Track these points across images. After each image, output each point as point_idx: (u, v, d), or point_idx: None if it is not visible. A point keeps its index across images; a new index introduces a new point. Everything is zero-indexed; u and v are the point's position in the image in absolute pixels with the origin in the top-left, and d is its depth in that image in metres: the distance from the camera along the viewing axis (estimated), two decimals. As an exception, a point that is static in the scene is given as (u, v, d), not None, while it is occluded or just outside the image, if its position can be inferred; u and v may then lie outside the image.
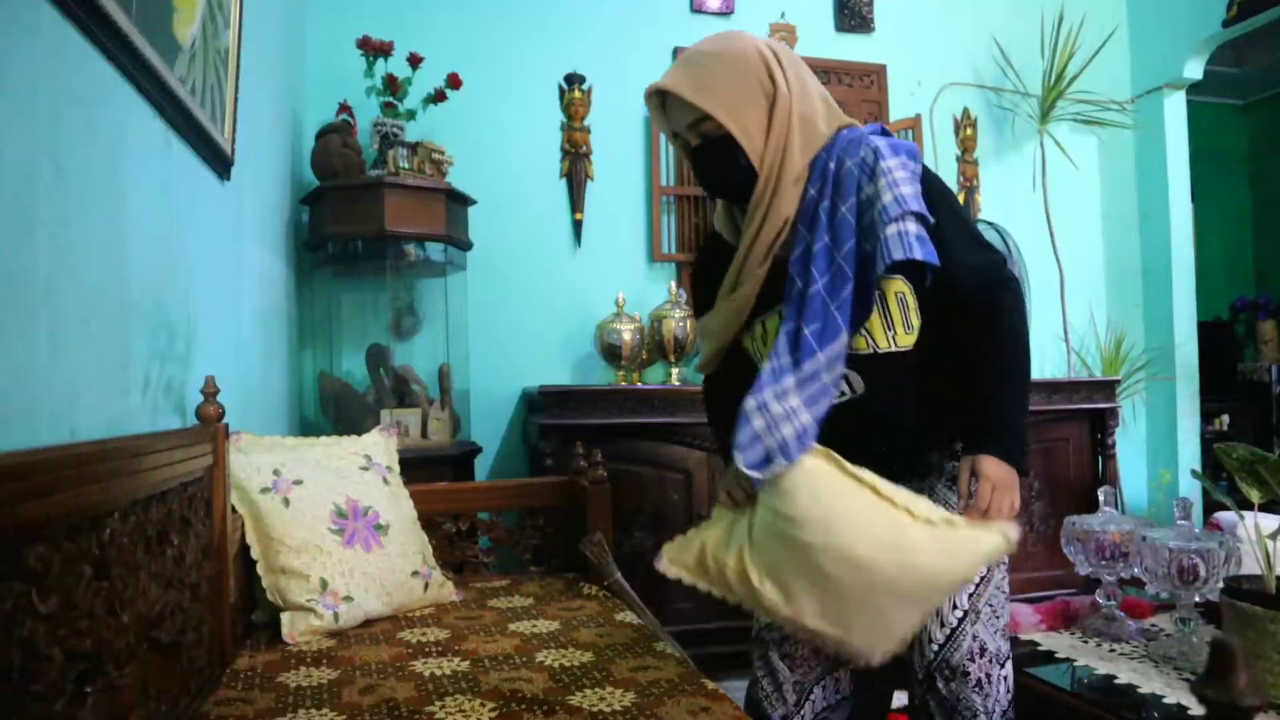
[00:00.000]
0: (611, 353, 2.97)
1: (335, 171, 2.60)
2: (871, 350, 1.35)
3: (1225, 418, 4.49)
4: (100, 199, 1.12)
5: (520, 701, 1.24)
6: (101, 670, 0.94)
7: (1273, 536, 1.60)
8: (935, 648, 1.39)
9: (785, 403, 1.26)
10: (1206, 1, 3.63)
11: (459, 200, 2.76)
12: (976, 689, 1.36)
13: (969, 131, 3.71)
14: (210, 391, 1.45)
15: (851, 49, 3.60)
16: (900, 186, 1.26)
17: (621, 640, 1.55)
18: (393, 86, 2.73)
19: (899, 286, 1.33)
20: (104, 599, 0.96)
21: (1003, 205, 3.70)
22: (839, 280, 1.28)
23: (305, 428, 2.74)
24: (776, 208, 1.32)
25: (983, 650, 1.38)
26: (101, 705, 0.94)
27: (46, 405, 0.96)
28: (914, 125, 3.61)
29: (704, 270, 1.52)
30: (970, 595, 1.39)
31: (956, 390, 1.37)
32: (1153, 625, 1.90)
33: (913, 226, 1.25)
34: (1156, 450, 3.90)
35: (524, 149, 3.19)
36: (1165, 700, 1.49)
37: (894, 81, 3.63)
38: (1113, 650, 1.75)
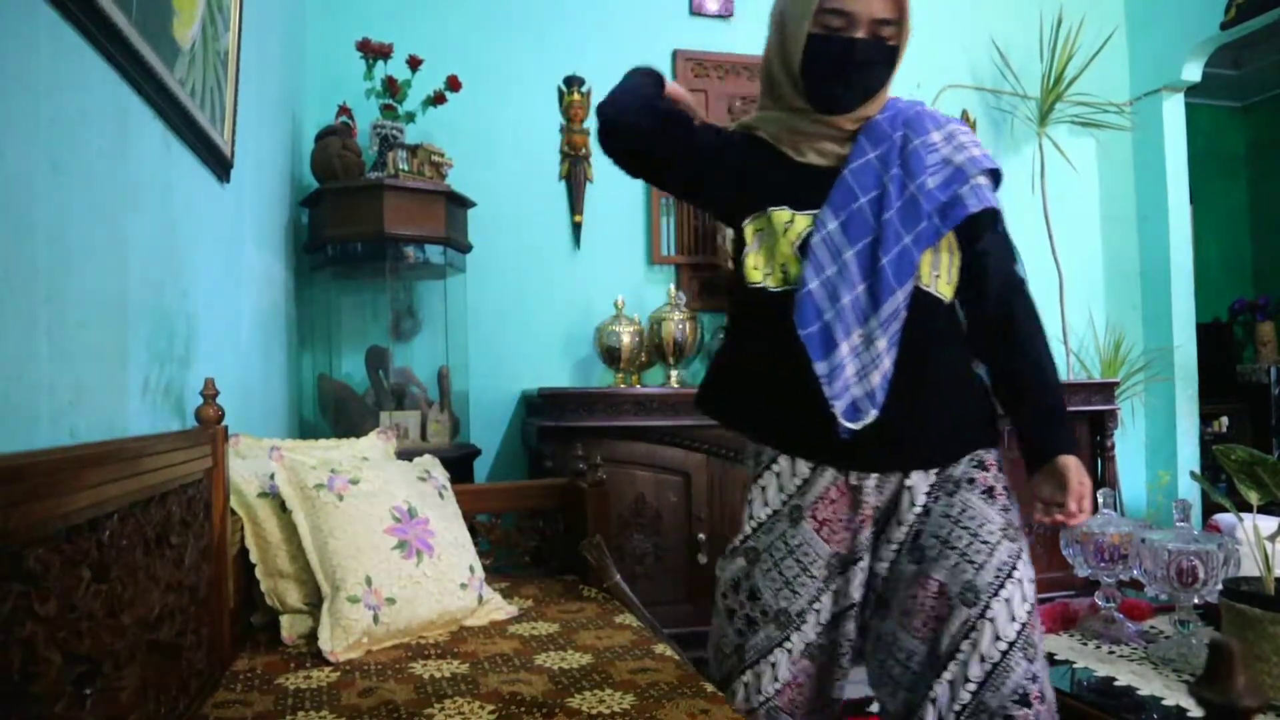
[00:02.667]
0: (611, 355, 2.97)
1: (335, 173, 2.60)
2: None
3: (1224, 419, 4.49)
4: (100, 201, 1.12)
5: (519, 704, 1.24)
6: (100, 672, 0.94)
7: (1271, 538, 1.60)
8: (970, 689, 1.22)
9: (874, 347, 1.22)
10: (1205, 3, 3.64)
11: (458, 202, 2.76)
12: None
13: (968, 133, 3.72)
14: (209, 393, 1.45)
15: (850, 51, 3.60)
16: (975, 148, 1.29)
17: (621, 643, 1.55)
18: (392, 89, 2.73)
19: (950, 238, 1.31)
20: (103, 601, 0.96)
21: (1001, 207, 3.69)
22: (911, 214, 1.25)
23: (304, 430, 2.74)
24: (862, 111, 1.31)
25: (1036, 683, 1.22)
26: (100, 707, 0.94)
27: (46, 407, 0.96)
28: (913, 127, 3.61)
29: (732, 155, 1.38)
30: (1022, 625, 1.23)
31: (996, 387, 1.35)
32: (1152, 627, 1.90)
33: (985, 181, 1.28)
34: (1155, 452, 3.90)
35: (523, 151, 3.20)
36: (1165, 702, 1.49)
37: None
38: (1112, 652, 1.75)
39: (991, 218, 1.32)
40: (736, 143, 1.39)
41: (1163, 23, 3.83)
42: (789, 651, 1.31)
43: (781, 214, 1.30)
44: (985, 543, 1.26)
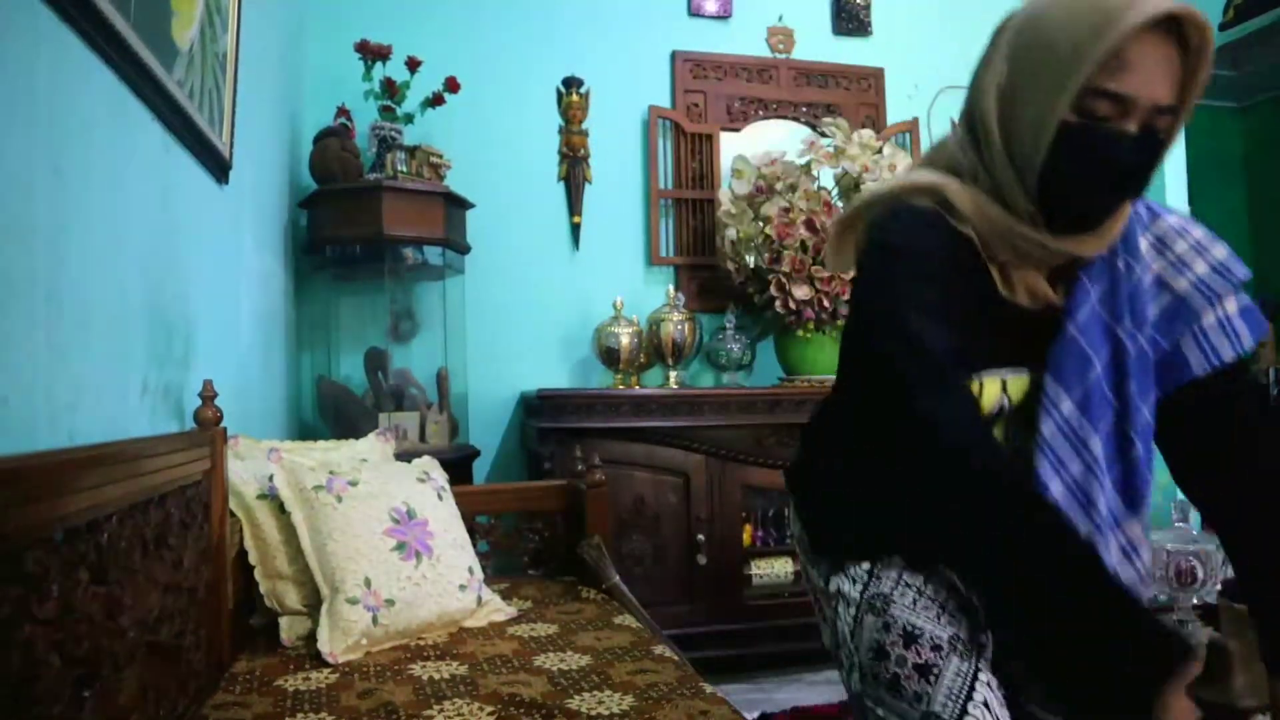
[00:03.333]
0: (609, 356, 2.97)
1: (333, 175, 2.60)
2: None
3: (1223, 420, 4.49)
4: (99, 203, 1.12)
5: (519, 705, 1.24)
6: (99, 674, 0.94)
7: (1270, 539, 1.60)
8: None
9: (1139, 559, 0.96)
10: (1203, 4, 3.61)
11: (457, 204, 2.76)
12: None
13: (966, 135, 3.72)
14: (208, 395, 1.45)
15: (849, 52, 3.61)
16: (1213, 250, 0.96)
17: (620, 644, 1.55)
18: (391, 90, 2.73)
19: None
20: (102, 603, 0.96)
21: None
22: (1145, 384, 0.96)
23: (303, 431, 2.74)
24: (1101, 236, 0.96)
25: None
26: (99, 709, 0.94)
27: (45, 409, 0.96)
28: (911, 128, 3.61)
29: (952, 267, 0.95)
30: None
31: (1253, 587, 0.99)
32: (1151, 628, 1.90)
33: (1224, 313, 0.95)
34: (1156, 453, 3.90)
35: (522, 152, 3.20)
36: (1163, 703, 1.49)
37: (891, 85, 3.63)
38: (1111, 653, 1.75)
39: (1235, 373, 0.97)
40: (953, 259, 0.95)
41: (1161, 24, 3.84)
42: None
43: (992, 382, 0.98)
44: None
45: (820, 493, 1.10)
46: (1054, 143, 0.89)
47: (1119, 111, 0.88)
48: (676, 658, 1.51)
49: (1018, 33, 0.97)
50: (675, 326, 2.97)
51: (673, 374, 3.01)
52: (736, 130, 3.40)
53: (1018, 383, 0.99)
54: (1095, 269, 0.97)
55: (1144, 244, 0.98)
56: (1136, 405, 0.96)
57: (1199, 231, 0.99)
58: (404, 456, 2.08)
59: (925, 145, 3.63)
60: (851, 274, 1.04)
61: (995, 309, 0.96)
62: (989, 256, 0.95)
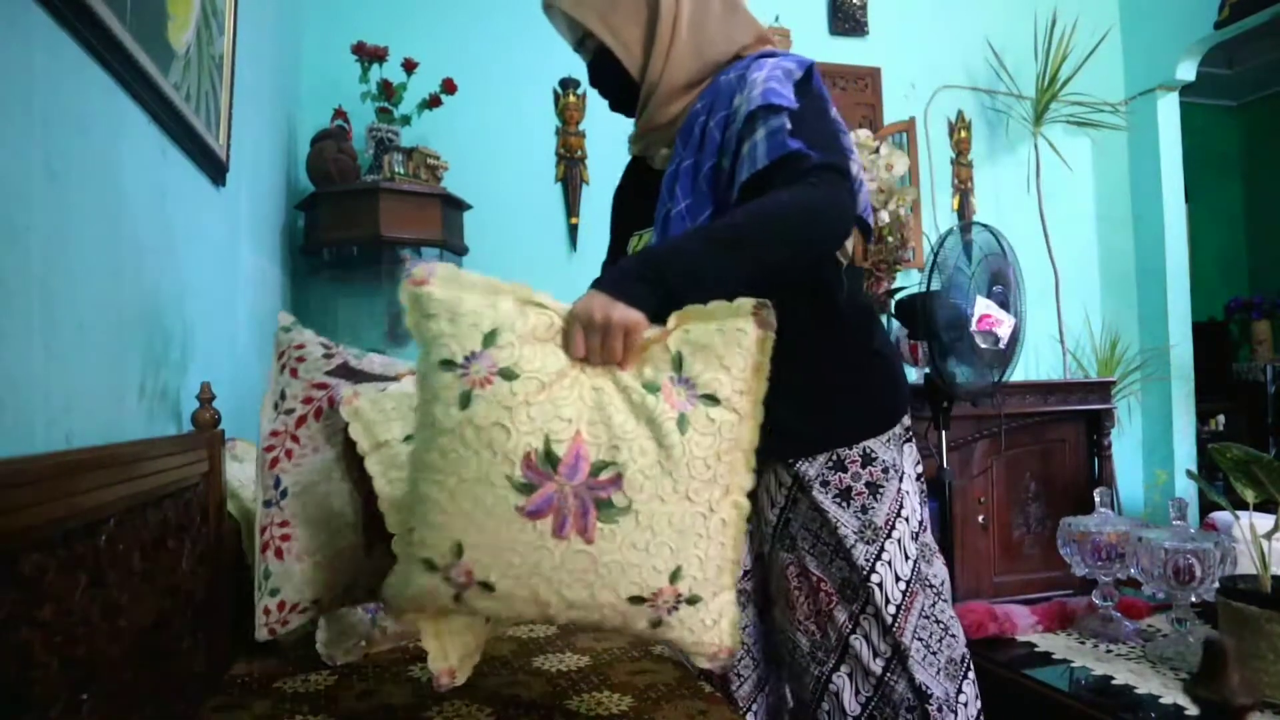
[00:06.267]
0: (608, 356, 2.97)
1: (330, 177, 2.60)
2: None
3: (1221, 418, 4.50)
4: (95, 205, 1.12)
5: (518, 706, 1.24)
6: (97, 677, 0.94)
7: (1267, 536, 1.60)
8: (858, 706, 1.20)
9: None
10: (1198, 3, 3.65)
11: (454, 205, 2.76)
12: None
13: (963, 134, 3.72)
14: (206, 397, 1.44)
15: (846, 52, 3.61)
16: (761, 85, 1.11)
17: (619, 645, 1.55)
18: (388, 92, 2.73)
19: None
20: (100, 606, 0.96)
21: (997, 207, 3.71)
22: (699, 202, 1.16)
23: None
24: (649, 119, 1.26)
25: (924, 697, 1.18)
26: (98, 712, 0.93)
27: (42, 411, 0.96)
28: (908, 128, 3.62)
29: (620, 194, 1.49)
30: (888, 630, 1.19)
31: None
32: (1149, 626, 1.90)
33: (774, 123, 1.08)
34: (1152, 451, 3.91)
35: (519, 154, 3.19)
36: (1162, 700, 1.50)
37: (888, 84, 3.64)
38: (1110, 651, 1.75)
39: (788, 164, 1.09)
40: None
41: (1157, 22, 3.85)
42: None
43: (638, 240, 1.37)
44: (840, 547, 1.21)
45: None
46: None
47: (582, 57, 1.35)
48: (675, 658, 1.51)
49: None
50: (673, 327, 2.97)
51: (671, 374, 3.01)
52: (733, 130, 3.40)
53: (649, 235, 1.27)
54: (684, 135, 1.21)
55: (731, 89, 1.17)
56: (675, 228, 1.17)
57: (762, 73, 1.14)
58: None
59: (922, 144, 3.63)
60: None
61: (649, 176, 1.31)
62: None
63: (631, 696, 1.27)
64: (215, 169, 1.73)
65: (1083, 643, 1.82)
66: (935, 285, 2.79)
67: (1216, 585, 1.64)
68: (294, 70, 2.88)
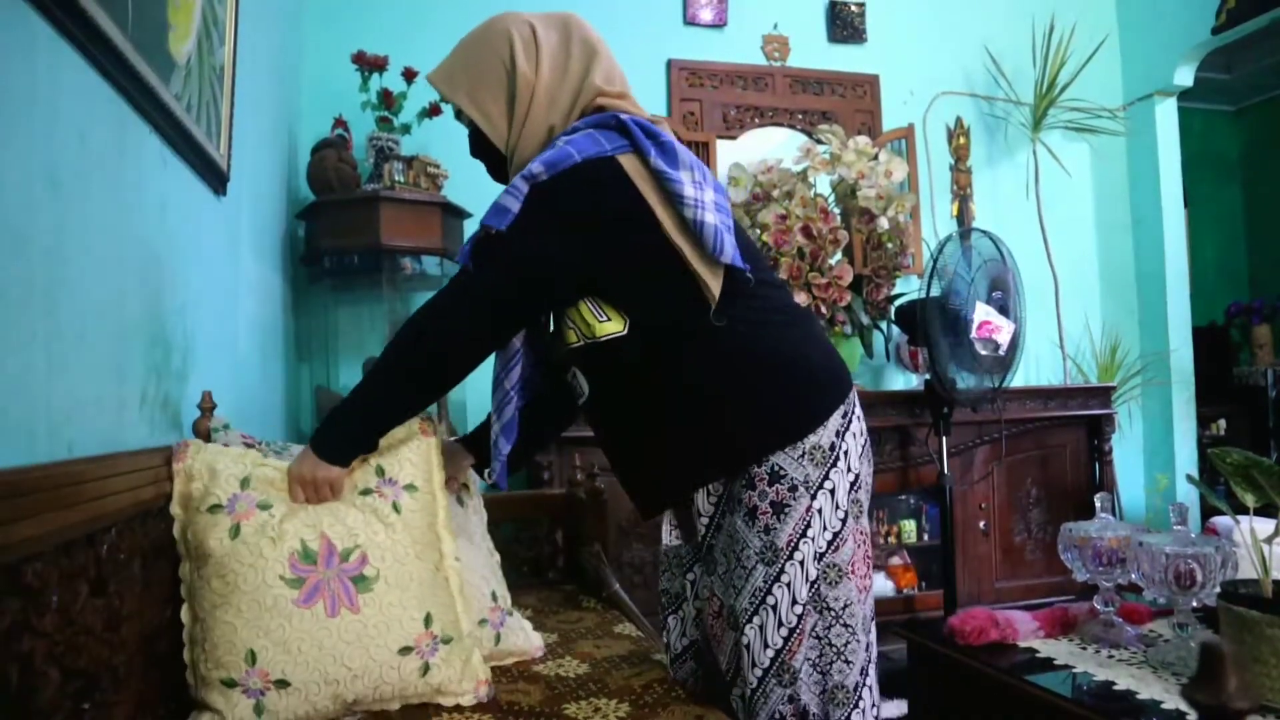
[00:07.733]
0: (608, 364, 2.97)
1: (331, 186, 2.61)
2: (582, 340, 1.25)
3: (1221, 422, 4.49)
4: (97, 215, 1.13)
5: (516, 713, 1.24)
6: (99, 687, 0.94)
7: (1269, 541, 1.60)
8: (742, 697, 1.22)
9: (504, 411, 1.38)
10: (1196, 8, 3.66)
11: (454, 213, 2.76)
12: None
13: (962, 140, 3.73)
14: (207, 406, 1.45)
15: (844, 59, 3.63)
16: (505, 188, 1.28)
17: (619, 652, 1.55)
18: (388, 101, 2.74)
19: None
20: (101, 615, 0.96)
21: (996, 213, 3.71)
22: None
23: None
24: None
25: (793, 704, 1.18)
26: (99, 721, 0.94)
27: (44, 421, 0.96)
28: (907, 134, 3.63)
29: None
30: (776, 651, 1.18)
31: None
32: (1151, 631, 1.90)
33: (475, 234, 1.33)
34: (1153, 456, 3.91)
35: (519, 161, 3.20)
36: (1164, 706, 1.49)
37: (887, 91, 3.65)
38: (1111, 656, 1.75)
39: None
40: None
41: (1154, 28, 3.86)
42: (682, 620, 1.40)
43: None
44: (744, 567, 1.20)
45: None
46: None
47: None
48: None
49: None
50: (673, 334, 2.97)
51: (671, 381, 3.01)
52: (733, 138, 3.42)
53: None
54: None
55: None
56: None
57: (542, 155, 1.24)
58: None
59: (921, 151, 3.64)
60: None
61: None
62: None
63: (628, 703, 1.27)
64: (216, 178, 1.74)
65: (1084, 648, 1.81)
66: (935, 291, 2.80)
67: (1218, 590, 1.63)
68: (294, 80, 2.89)
